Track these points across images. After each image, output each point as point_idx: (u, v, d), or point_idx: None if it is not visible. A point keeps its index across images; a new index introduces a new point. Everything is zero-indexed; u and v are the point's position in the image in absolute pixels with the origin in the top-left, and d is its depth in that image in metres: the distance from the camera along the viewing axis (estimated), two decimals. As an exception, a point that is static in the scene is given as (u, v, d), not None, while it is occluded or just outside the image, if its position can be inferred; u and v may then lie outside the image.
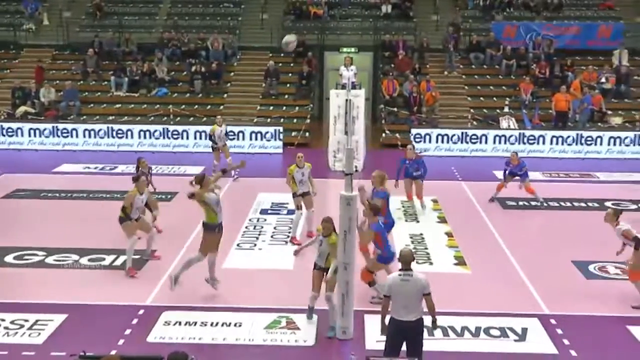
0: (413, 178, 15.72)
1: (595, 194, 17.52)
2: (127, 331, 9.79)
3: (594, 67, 25.50)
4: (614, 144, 22.24)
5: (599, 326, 10.14)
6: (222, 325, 9.99)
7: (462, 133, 22.48)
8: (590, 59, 26.49)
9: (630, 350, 9.39)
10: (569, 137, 22.34)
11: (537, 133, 22.43)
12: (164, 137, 22.61)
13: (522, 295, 11.25)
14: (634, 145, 22.17)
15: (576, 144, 22.29)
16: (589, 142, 22.28)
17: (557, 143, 22.33)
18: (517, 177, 16.32)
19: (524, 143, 22.21)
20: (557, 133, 22.45)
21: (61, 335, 9.66)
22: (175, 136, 22.71)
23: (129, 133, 22.70)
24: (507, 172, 16.39)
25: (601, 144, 22.25)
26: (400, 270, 7.93)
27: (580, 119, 23.26)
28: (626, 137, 22.28)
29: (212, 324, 10.00)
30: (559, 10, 28.64)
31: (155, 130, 22.72)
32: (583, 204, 16.63)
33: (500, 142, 22.31)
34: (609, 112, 24.02)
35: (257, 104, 25.08)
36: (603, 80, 24.82)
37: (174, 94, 25.41)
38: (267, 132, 22.58)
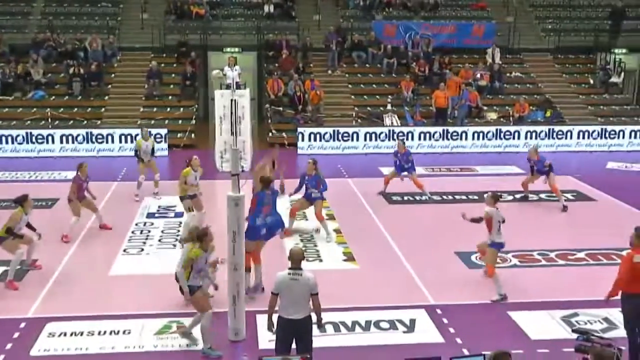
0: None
1: (475, 186, 18.23)
2: (8, 345, 9.35)
3: (470, 65, 26.55)
4: (495, 138, 23.23)
5: (482, 313, 10.57)
6: (111, 333, 9.72)
7: (352, 132, 22.82)
8: (466, 57, 27.56)
9: (512, 335, 9.84)
10: (453, 132, 23.17)
11: (419, 129, 23.10)
12: (47, 142, 21.70)
13: (409, 287, 11.58)
14: (513, 139, 23.22)
15: (459, 139, 23.12)
16: (469, 137, 23.16)
17: (437, 138, 23.08)
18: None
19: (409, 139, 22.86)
20: (439, 129, 23.21)
21: None
22: (41, 140, 21.83)
23: (3, 139, 21.66)
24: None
25: (481, 138, 23.19)
26: (289, 268, 7.97)
27: (458, 115, 24.16)
28: (506, 131, 23.32)
29: (99, 333, 9.71)
30: (435, 10, 29.60)
31: (38, 135, 21.78)
32: (464, 197, 17.27)
33: (384, 139, 22.79)
34: (485, 108, 25.10)
35: (140, 105, 24.51)
36: (478, 77, 25.88)
37: (51, 97, 24.42)
38: (156, 134, 22.07)
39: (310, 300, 7.96)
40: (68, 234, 13.73)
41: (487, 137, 23.20)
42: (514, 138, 23.24)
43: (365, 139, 22.80)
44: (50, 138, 21.85)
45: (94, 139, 21.90)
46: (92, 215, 14.60)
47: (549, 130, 23.41)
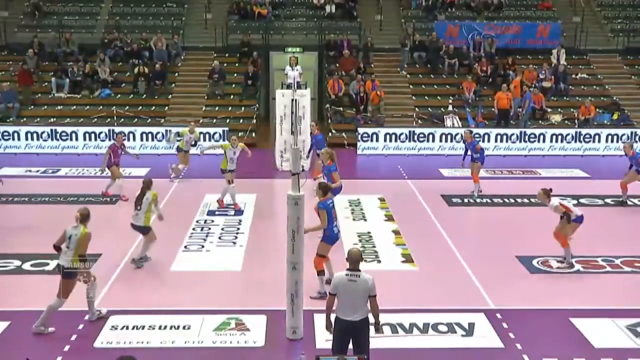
0: (473, 160, 17.18)
1: (536, 189, 17.85)
2: (73, 337, 9.61)
3: (534, 66, 26.08)
4: (556, 141, 22.73)
5: (543, 319, 10.35)
6: (171, 328, 9.87)
7: (410, 132, 22.65)
8: (530, 58, 27.09)
9: (574, 342, 9.61)
10: (512, 134, 22.76)
11: (482, 131, 22.78)
12: (109, 139, 22.18)
13: (468, 290, 11.42)
14: (575, 142, 22.71)
15: (520, 141, 22.72)
16: (532, 140, 22.72)
17: (500, 140, 22.71)
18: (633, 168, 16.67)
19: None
20: (502, 131, 22.85)
21: (3, 343, 9.41)
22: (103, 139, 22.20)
23: (73, 135, 22.25)
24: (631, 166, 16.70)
25: (543, 141, 22.72)
26: (347, 269, 7.95)
27: (522, 117, 23.75)
28: (567, 134, 22.80)
29: (160, 328, 9.88)
30: (499, 11, 29.20)
31: (101, 132, 22.29)
32: (526, 200, 16.98)
33: (446, 141, 22.56)
34: (549, 110, 24.60)
35: (202, 104, 24.88)
36: (542, 78, 25.38)
37: (117, 95, 25.01)
38: (214, 133, 22.40)
39: (368, 302, 7.91)
40: (125, 195, 15.93)
41: (551, 139, 22.71)
42: (577, 141, 22.70)
43: (428, 141, 22.56)
44: (130, 135, 22.13)
45: (154, 137, 22.30)
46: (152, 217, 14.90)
47: (616, 133, 22.79)
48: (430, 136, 22.61)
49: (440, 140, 22.55)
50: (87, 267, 9.86)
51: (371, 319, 8.03)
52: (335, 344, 8.04)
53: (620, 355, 9.20)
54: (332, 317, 8.07)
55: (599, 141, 22.69)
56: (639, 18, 29.42)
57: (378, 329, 8.16)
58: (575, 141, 22.74)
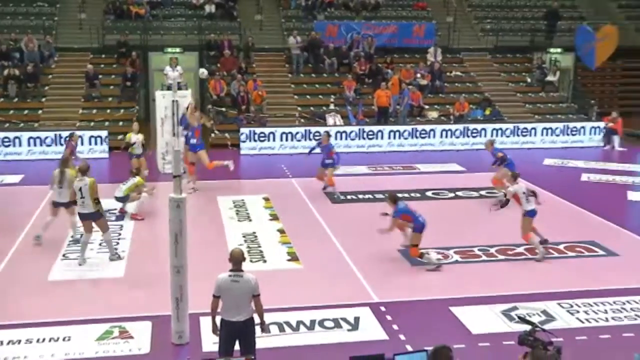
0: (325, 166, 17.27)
1: (417, 184, 18.47)
2: (-57, 356, 9.07)
3: (411, 65, 26.88)
4: (434, 137, 23.50)
5: (425, 310, 10.71)
6: (50, 340, 9.50)
7: (293, 131, 22.79)
8: (407, 56, 27.90)
9: (454, 330, 10.01)
10: (392, 131, 23.34)
11: (365, 129, 23.24)
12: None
13: (353, 286, 11.65)
14: (451, 137, 23.56)
15: (399, 137, 23.33)
16: (411, 136, 23.38)
17: (382, 137, 23.25)
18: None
19: (348, 139, 22.98)
20: (382, 128, 23.40)
21: None
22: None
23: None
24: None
25: (422, 137, 23.44)
26: (230, 270, 7.92)
27: (400, 114, 24.43)
28: (445, 130, 23.62)
29: (38, 341, 9.48)
30: (376, 11, 29.87)
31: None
32: (406, 195, 17.46)
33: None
34: (426, 106, 25.43)
35: (79, 107, 24.04)
36: (419, 76, 26.20)
37: (-15, 99, 23.79)
38: (91, 136, 21.69)
39: (252, 302, 7.92)
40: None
41: (428, 135, 23.49)
42: (454, 136, 23.61)
43: (308, 139, 22.80)
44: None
45: (31, 142, 21.37)
46: (30, 220, 14.34)
47: (488, 128, 23.85)
48: (314, 135, 22.88)
49: (353, 139, 22.90)
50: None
51: (257, 319, 8.05)
52: (221, 346, 8.01)
53: (496, 339, 9.66)
54: (218, 319, 8.03)
55: (474, 136, 23.65)
56: (507, 18, 30.93)
57: (264, 328, 8.19)
58: (452, 136, 23.62)
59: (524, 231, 13.03)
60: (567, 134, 24.30)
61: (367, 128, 23.39)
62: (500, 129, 23.89)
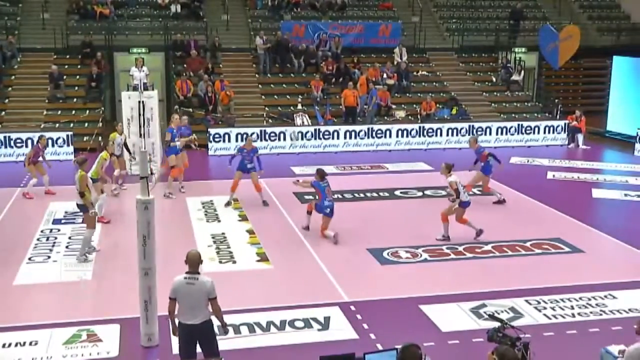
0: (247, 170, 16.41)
1: (386, 183, 18.56)
2: None
3: (378, 64, 26.99)
4: (401, 136, 23.64)
5: (395, 308, 10.76)
6: (16, 345, 9.35)
7: (261, 131, 22.74)
8: (374, 56, 28.00)
9: (424, 327, 10.07)
10: (360, 131, 23.42)
11: (331, 128, 23.28)
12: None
13: (323, 285, 11.66)
14: (419, 136, 23.72)
15: (367, 137, 23.42)
16: (379, 136, 23.49)
17: (350, 137, 23.31)
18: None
19: (319, 138, 22.99)
20: (350, 128, 23.46)
21: None
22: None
23: None
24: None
25: (390, 136, 23.56)
26: (186, 272, 7.81)
27: (368, 114, 24.52)
28: (412, 129, 23.77)
29: (4, 345, 9.32)
30: (343, 11, 29.94)
31: None
32: (375, 194, 17.55)
33: (297, 139, 22.86)
34: (394, 106, 25.56)
35: (43, 108, 23.69)
36: (385, 76, 26.31)
37: (-54, 100, 23.33)
38: (57, 138, 21.37)
39: (208, 305, 7.81)
40: (30, 192, 16.69)
41: (396, 134, 23.60)
42: (420, 136, 23.75)
43: (276, 139, 22.78)
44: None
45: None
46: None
47: (455, 127, 24.05)
48: (281, 135, 22.84)
49: (291, 139, 22.82)
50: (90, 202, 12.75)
51: (217, 321, 7.96)
52: (182, 349, 7.95)
53: (465, 337, 9.75)
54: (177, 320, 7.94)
55: (441, 135, 23.83)
56: (471, 18, 31.23)
57: (225, 332, 8.12)
58: (419, 136, 23.76)
59: (457, 217, 13.77)
60: (532, 133, 24.61)
61: (334, 127, 23.43)
62: (466, 128, 24.06)
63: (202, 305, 7.78)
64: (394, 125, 23.90)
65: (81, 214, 13.23)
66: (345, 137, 23.27)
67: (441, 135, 23.82)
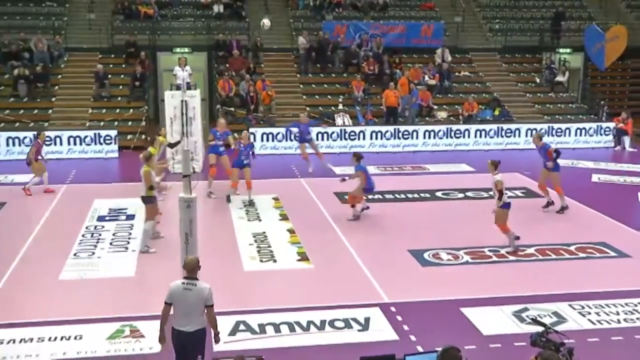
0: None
1: (427, 185, 18.44)
2: (-45, 354, 9.11)
3: (419, 65, 26.84)
4: (444, 137, 23.46)
5: (435, 311, 10.67)
6: (62, 339, 9.52)
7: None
8: (415, 56, 27.86)
9: (465, 330, 9.98)
10: (404, 131, 23.27)
11: (374, 128, 23.21)
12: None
13: (363, 286, 11.62)
14: (462, 137, 23.52)
15: (410, 138, 23.30)
16: (420, 136, 23.33)
17: (390, 137, 23.22)
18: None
19: (358, 139, 22.95)
20: (391, 128, 23.36)
21: None
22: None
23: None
24: None
25: (431, 137, 23.41)
26: (184, 277, 7.71)
27: (409, 114, 24.40)
28: (454, 130, 23.60)
29: (50, 339, 9.51)
30: (384, 11, 29.86)
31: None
32: (416, 195, 17.45)
33: (341, 139, 22.86)
34: (435, 107, 25.40)
35: (88, 107, 24.11)
36: (427, 78, 26.14)
37: (-5, 99, 23.88)
38: (101, 136, 21.73)
39: (204, 312, 7.69)
40: (30, 188, 16.77)
41: (437, 135, 23.45)
42: (463, 137, 23.56)
43: (317, 139, 22.77)
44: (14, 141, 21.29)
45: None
46: (41, 220, 14.42)
47: (498, 128, 23.80)
48: (325, 135, 22.85)
49: (334, 139, 22.82)
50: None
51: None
52: (177, 355, 7.80)
53: (507, 340, 9.62)
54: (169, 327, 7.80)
55: (483, 136, 23.60)
56: (515, 18, 30.87)
57: (216, 339, 8.00)
58: (462, 137, 23.56)
59: (501, 222, 13.15)
60: (577, 135, 24.22)
61: (375, 128, 23.37)
62: (509, 129, 23.79)
63: (197, 312, 7.62)
64: (435, 126, 23.73)
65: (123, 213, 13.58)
66: (385, 138, 23.14)
67: (483, 136, 23.58)
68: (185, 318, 7.58)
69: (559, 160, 16.14)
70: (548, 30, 29.85)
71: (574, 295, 11.12)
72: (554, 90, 27.43)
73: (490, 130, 23.70)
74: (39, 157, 17.17)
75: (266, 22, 13.65)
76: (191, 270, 7.68)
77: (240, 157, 16.47)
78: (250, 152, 16.62)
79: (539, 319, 8.85)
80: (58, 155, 21.13)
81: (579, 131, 24.28)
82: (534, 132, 22.52)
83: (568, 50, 28.83)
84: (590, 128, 24.42)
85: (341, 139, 22.86)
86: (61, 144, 21.48)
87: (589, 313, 10.54)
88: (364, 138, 22.99)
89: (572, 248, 13.51)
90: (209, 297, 7.60)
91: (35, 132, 18.36)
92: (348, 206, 15.32)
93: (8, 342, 9.42)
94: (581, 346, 8.19)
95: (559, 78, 27.62)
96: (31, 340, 9.49)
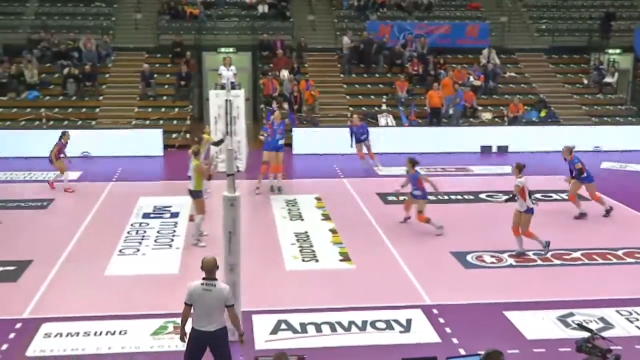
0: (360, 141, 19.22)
1: (470, 186, 18.26)
2: (4, 346, 9.32)
3: (464, 65, 26.59)
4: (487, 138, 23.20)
5: (478, 313, 10.57)
6: (107, 334, 9.68)
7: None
8: (460, 57, 27.61)
9: (508, 334, 9.85)
10: (446, 132, 23.08)
11: (416, 129, 23.05)
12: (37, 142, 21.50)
13: (405, 287, 11.57)
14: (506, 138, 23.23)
15: (453, 139, 23.09)
16: (464, 137, 23.12)
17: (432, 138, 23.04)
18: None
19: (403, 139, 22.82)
20: (435, 129, 23.16)
21: None
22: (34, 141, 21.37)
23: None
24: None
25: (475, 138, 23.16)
26: (203, 278, 7.74)
27: (453, 115, 24.19)
28: (499, 131, 23.26)
29: (95, 334, 9.68)
30: (429, 11, 29.65)
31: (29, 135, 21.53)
32: (459, 197, 17.30)
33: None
34: (480, 108, 25.13)
35: (134, 106, 24.47)
36: (472, 78, 25.87)
37: (45, 97, 24.35)
38: (147, 135, 22.02)
39: (224, 312, 7.70)
40: (53, 183, 17.33)
41: (482, 137, 23.18)
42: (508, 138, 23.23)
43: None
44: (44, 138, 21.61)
45: (88, 139, 21.75)
46: (87, 216, 14.68)
47: (544, 130, 23.43)
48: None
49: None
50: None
51: (231, 326, 7.86)
52: (188, 354, 7.81)
53: (551, 346, 9.48)
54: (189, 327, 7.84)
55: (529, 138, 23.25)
56: (562, 18, 30.36)
57: (241, 340, 7.98)
58: (505, 138, 23.25)
59: (525, 228, 12.85)
60: (626, 137, 23.67)
61: (419, 129, 23.21)
62: (556, 131, 23.38)
63: (218, 312, 7.66)
64: (480, 127, 23.47)
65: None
66: (429, 138, 22.95)
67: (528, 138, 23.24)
68: (206, 319, 7.64)
69: (589, 170, 15.91)
70: (596, 30, 29.27)
71: (621, 301, 10.89)
72: (602, 92, 26.89)
73: (535, 131, 23.29)
74: (61, 156, 17.40)
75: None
76: (209, 270, 7.72)
77: (275, 137, 16.73)
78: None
79: (584, 324, 8.69)
80: (104, 153, 21.46)
81: (627, 133, 23.73)
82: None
83: (617, 51, 28.23)
84: None
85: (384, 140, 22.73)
86: (108, 142, 21.79)
87: (637, 319, 10.31)
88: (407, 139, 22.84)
89: (620, 253, 13.24)
90: (228, 297, 7.68)
91: (61, 131, 18.25)
92: (390, 207, 15.20)
93: (55, 336, 9.61)
94: (628, 354, 8.03)
95: (608, 79, 27.07)
96: (77, 334, 9.67)
